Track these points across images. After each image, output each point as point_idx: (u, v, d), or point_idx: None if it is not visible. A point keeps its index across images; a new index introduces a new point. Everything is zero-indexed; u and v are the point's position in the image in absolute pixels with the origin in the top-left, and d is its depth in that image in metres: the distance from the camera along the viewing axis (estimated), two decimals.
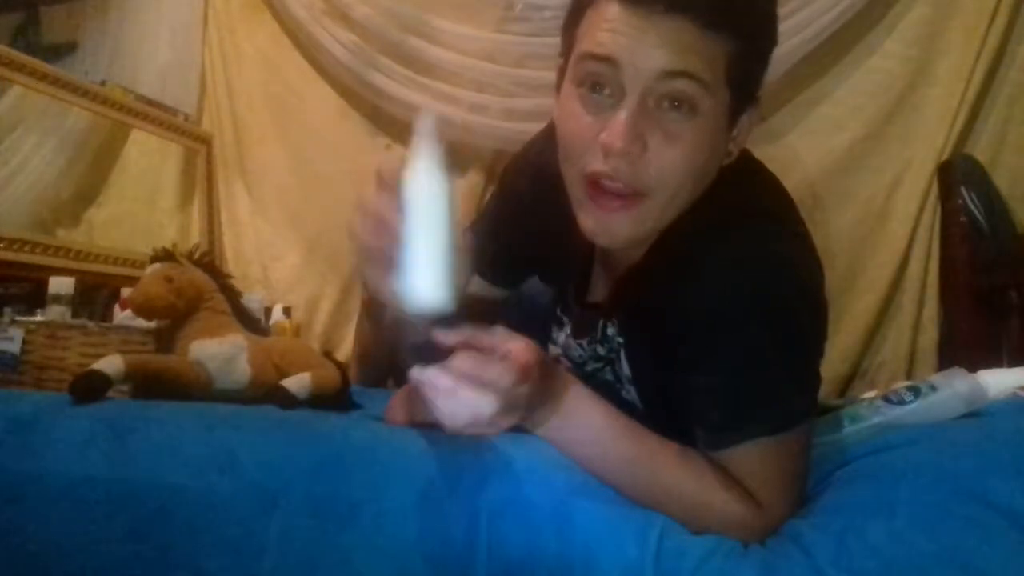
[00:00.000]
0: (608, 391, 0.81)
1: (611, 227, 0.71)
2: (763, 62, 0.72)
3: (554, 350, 0.96)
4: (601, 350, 0.86)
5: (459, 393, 0.59)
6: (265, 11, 2.28)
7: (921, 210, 1.77)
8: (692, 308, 0.70)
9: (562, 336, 0.95)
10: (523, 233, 0.92)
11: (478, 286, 0.98)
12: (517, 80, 1.98)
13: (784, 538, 0.66)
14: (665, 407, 0.78)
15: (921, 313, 1.77)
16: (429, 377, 0.60)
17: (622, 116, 0.66)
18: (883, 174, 1.82)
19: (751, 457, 0.69)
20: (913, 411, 0.81)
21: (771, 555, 0.64)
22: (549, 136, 0.79)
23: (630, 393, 0.84)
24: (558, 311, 0.97)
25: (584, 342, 0.89)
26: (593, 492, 0.71)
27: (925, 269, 1.77)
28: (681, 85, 0.66)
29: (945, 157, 1.75)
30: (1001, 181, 1.71)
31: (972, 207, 1.66)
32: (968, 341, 1.65)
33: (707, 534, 0.67)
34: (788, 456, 0.70)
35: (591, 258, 0.88)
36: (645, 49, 0.65)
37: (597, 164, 0.68)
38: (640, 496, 0.69)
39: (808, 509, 0.71)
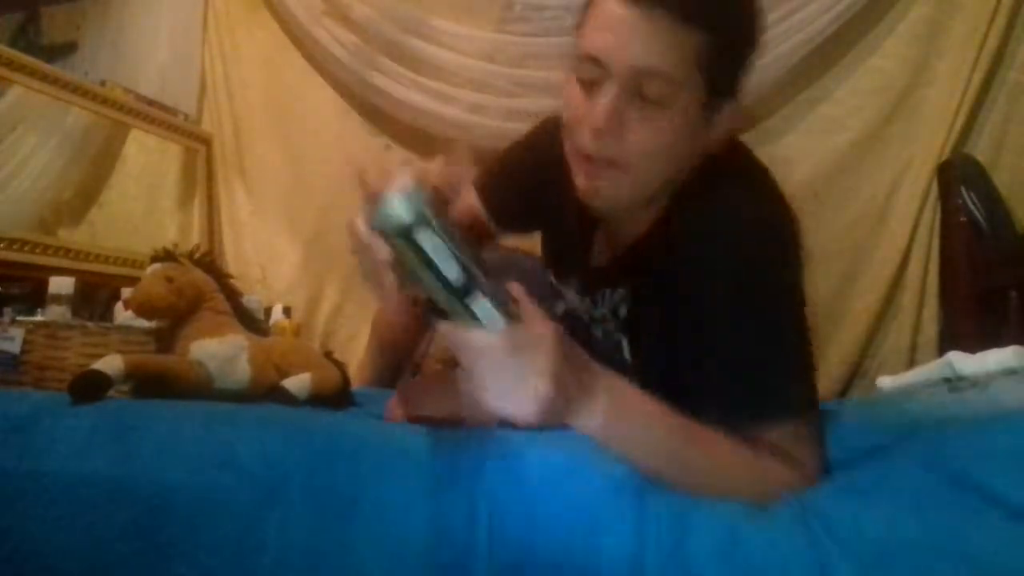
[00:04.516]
0: (611, 353, 0.90)
1: (598, 190, 0.82)
2: (738, 59, 0.80)
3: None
4: (605, 312, 0.94)
5: (509, 356, 0.61)
6: (265, 11, 2.28)
7: (921, 210, 1.78)
8: (699, 267, 0.78)
9: (561, 306, 1.03)
10: (525, 201, 1.04)
11: None
12: (516, 80, 1.98)
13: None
14: (663, 378, 0.79)
15: (921, 313, 1.77)
16: (475, 337, 0.61)
17: (602, 103, 0.76)
18: (883, 174, 1.82)
19: (785, 430, 0.73)
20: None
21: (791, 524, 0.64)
22: (556, 121, 0.90)
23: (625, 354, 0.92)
24: (553, 283, 1.05)
25: (589, 302, 0.97)
26: (591, 474, 0.71)
27: (925, 269, 1.77)
28: (651, 81, 0.75)
29: (945, 157, 1.75)
30: (1001, 181, 1.71)
31: (972, 207, 1.66)
32: (968, 341, 1.65)
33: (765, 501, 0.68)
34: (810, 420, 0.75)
35: (592, 230, 0.97)
36: (625, 45, 0.74)
37: (586, 142, 0.79)
38: (692, 482, 0.69)
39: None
